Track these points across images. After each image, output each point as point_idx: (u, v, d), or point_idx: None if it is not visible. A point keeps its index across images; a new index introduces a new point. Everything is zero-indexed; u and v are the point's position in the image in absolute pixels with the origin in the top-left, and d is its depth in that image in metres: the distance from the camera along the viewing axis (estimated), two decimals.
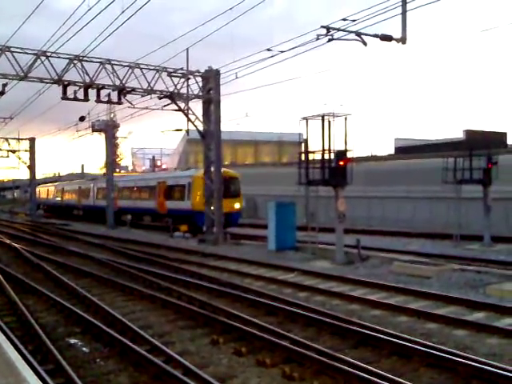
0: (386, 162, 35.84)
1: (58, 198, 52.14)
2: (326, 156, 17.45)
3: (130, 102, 23.35)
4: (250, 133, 64.95)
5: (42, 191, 58.54)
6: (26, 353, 7.64)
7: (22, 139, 47.23)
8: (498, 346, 8.36)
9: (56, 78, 21.02)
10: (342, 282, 13.90)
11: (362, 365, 7.16)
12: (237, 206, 28.32)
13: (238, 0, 15.72)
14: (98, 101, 22.13)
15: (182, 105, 24.12)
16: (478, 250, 19.92)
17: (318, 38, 15.71)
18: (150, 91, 22.94)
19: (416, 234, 25.06)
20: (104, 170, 46.95)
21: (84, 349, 8.67)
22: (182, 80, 23.73)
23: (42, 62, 20.77)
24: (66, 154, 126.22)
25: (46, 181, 66.73)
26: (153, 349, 8.16)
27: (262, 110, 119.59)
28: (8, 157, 47.77)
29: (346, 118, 17.26)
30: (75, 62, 21.11)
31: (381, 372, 6.87)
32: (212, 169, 24.38)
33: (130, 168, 77.37)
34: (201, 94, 24.27)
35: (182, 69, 23.47)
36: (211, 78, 23.98)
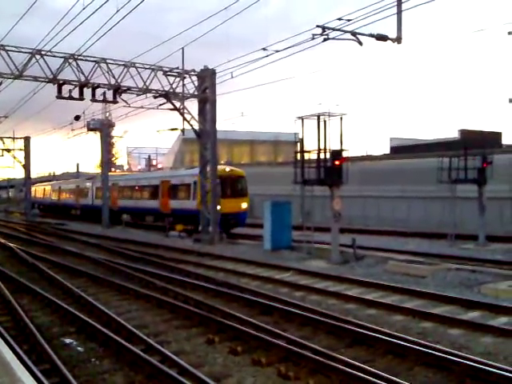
0: (381, 161, 35.90)
1: (55, 198, 51.73)
2: (322, 155, 17.48)
3: (125, 101, 23.29)
4: (246, 132, 64.93)
5: (38, 190, 58.19)
6: (21, 352, 7.61)
7: (16, 138, 47.16)
8: (493, 344, 8.39)
9: (51, 76, 20.95)
10: (338, 281, 13.92)
11: (358, 364, 7.18)
12: (244, 205, 27.46)
13: (233, 0, 15.72)
14: (93, 100, 22.06)
15: (178, 104, 24.10)
16: (473, 250, 19.98)
17: (313, 38, 15.72)
18: (145, 90, 22.89)
19: (411, 233, 25.13)
20: (99, 169, 46.72)
21: (79, 348, 8.65)
22: (178, 79, 23.71)
23: (37, 61, 20.70)
24: (61, 153, 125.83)
25: (41, 180, 66.52)
26: (148, 348, 8.15)
27: (257, 109, 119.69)
28: (3, 156, 47.73)
29: (341, 118, 17.32)
30: (70, 60, 21.05)
31: (376, 371, 6.89)
32: (208, 168, 24.34)
33: (126, 167, 77.23)
34: (196, 93, 24.25)
35: (177, 68, 23.46)
36: (207, 78, 23.96)
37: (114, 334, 8.81)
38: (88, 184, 42.64)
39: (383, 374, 6.78)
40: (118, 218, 34.60)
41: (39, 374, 6.71)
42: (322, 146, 17.43)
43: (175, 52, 21.95)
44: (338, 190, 17.52)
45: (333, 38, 15.69)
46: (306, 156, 18.29)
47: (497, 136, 41.16)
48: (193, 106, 24.74)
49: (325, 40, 15.67)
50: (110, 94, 22.13)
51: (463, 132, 40.21)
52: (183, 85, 23.89)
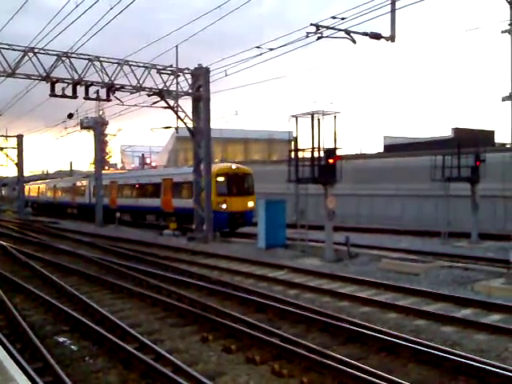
0: (375, 159, 35.97)
1: (51, 196, 50.97)
2: (316, 154, 17.51)
3: (118, 99, 23.20)
4: (240, 130, 64.89)
5: (33, 189, 57.68)
6: (14, 351, 7.59)
7: (9, 136, 46.89)
8: (486, 342, 8.44)
9: (44, 74, 20.84)
10: (332, 279, 13.95)
11: (351, 361, 7.20)
12: (251, 204, 26.04)
13: None
14: (87, 98, 21.96)
15: (172, 102, 24.04)
16: (466, 248, 20.09)
17: (307, 36, 15.73)
18: (139, 88, 22.81)
19: (404, 231, 25.22)
20: (93, 168, 46.46)
21: (73, 347, 8.62)
22: (172, 77, 23.64)
23: (30, 59, 20.58)
24: (54, 151, 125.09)
25: (35, 178, 66.14)
26: (142, 347, 8.14)
27: (251, 107, 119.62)
28: None
29: (335, 116, 17.36)
30: (63, 58, 20.94)
31: (369, 368, 6.92)
32: (202, 166, 24.31)
33: (120, 166, 76.96)
34: (190, 91, 24.20)
35: (171, 66, 23.40)
36: (201, 76, 23.92)
37: (108, 332, 8.79)
38: (85, 182, 41.71)
39: (377, 371, 6.81)
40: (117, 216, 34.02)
41: (32, 373, 6.68)
42: (315, 145, 17.47)
43: (169, 50, 21.95)
44: (331, 188, 17.56)
45: (327, 37, 15.70)
46: (300, 154, 18.31)
47: (490, 134, 41.30)
48: (187, 104, 24.73)
49: (319, 38, 15.68)
50: (103, 92, 22.04)
51: (456, 130, 40.31)
52: (177, 83, 23.86)
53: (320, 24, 15.47)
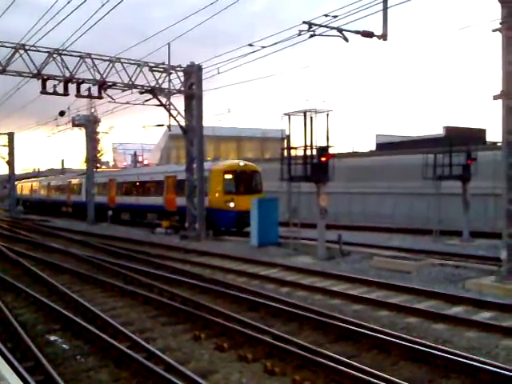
0: (367, 158, 36.08)
1: (44, 194, 50.22)
2: (308, 152, 17.53)
3: (110, 97, 23.11)
4: (233, 128, 64.86)
5: (25, 187, 57.06)
6: (5, 350, 7.54)
7: (0, 134, 46.49)
8: (477, 339, 8.49)
9: (35, 71, 20.69)
10: (324, 277, 13.97)
11: (343, 359, 7.22)
12: None
13: None
14: (78, 95, 21.85)
15: (164, 100, 23.97)
16: (458, 245, 20.21)
17: (299, 34, 15.71)
18: (131, 86, 22.72)
19: (396, 229, 25.31)
20: (85, 166, 46.13)
21: (64, 346, 8.58)
22: (164, 75, 23.55)
23: (21, 56, 20.43)
24: (46, 149, 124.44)
25: (27, 176, 65.66)
26: (134, 345, 8.12)
27: (244, 105, 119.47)
28: None
29: (327, 115, 17.37)
30: (55, 55, 20.80)
31: (361, 366, 6.94)
32: (194, 165, 24.25)
33: (111, 164, 76.65)
34: (183, 89, 24.12)
35: (163, 63, 23.30)
36: (193, 73, 23.85)
37: (100, 331, 8.75)
38: (81, 180, 40.69)
39: (368, 368, 6.83)
40: (116, 215, 33.33)
41: (23, 372, 6.64)
42: (308, 143, 17.48)
43: (161, 47, 21.85)
44: (324, 186, 17.58)
45: (319, 35, 15.68)
46: (293, 152, 18.32)
47: (481, 133, 41.51)
48: (179, 101, 24.64)
49: (311, 36, 15.67)
50: (95, 90, 21.95)
51: (448, 129, 40.51)
52: (169, 80, 23.77)
53: (312, 22, 15.46)
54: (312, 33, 15.56)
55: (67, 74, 21.02)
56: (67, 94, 21.38)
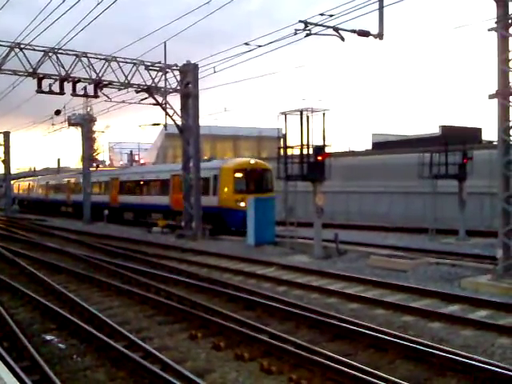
0: (364, 157, 36.11)
1: (42, 193, 49.39)
2: (305, 151, 17.54)
3: (106, 96, 23.04)
4: (229, 127, 64.77)
5: (22, 186, 56.48)
6: (1, 350, 7.53)
7: None
8: (473, 337, 8.52)
9: (31, 70, 20.63)
10: (320, 276, 14.00)
11: (339, 357, 7.23)
12: None
13: None
14: (74, 94, 21.79)
15: (160, 99, 23.92)
16: (454, 244, 20.26)
17: (295, 33, 15.69)
18: (127, 85, 22.67)
19: (393, 228, 25.37)
20: (81, 165, 45.90)
21: (60, 345, 8.57)
22: (160, 74, 23.52)
23: (16, 54, 20.35)
24: (42, 148, 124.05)
25: (23, 175, 65.38)
26: (130, 344, 8.11)
27: (240, 104, 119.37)
28: None
29: (324, 114, 17.40)
30: (50, 54, 20.74)
31: (358, 364, 6.95)
32: (191, 164, 24.21)
33: (108, 163, 76.48)
34: (179, 88, 24.10)
35: (159, 62, 23.27)
36: (189, 72, 23.83)
37: (96, 330, 8.75)
38: (81, 179, 39.24)
39: (365, 367, 6.85)
40: (119, 215, 32.81)
41: (20, 371, 6.62)
42: (305, 142, 17.50)
43: (157, 46, 21.81)
44: (320, 185, 17.61)
45: (315, 34, 15.68)
46: (289, 152, 18.33)
47: (477, 132, 41.57)
48: (175, 100, 24.61)
49: (307, 35, 15.66)
50: (91, 89, 21.90)
51: (444, 128, 40.55)
52: (165, 79, 23.74)
53: (308, 21, 15.46)
54: (308, 32, 15.55)
55: (63, 73, 20.96)
56: (63, 93, 21.31)
